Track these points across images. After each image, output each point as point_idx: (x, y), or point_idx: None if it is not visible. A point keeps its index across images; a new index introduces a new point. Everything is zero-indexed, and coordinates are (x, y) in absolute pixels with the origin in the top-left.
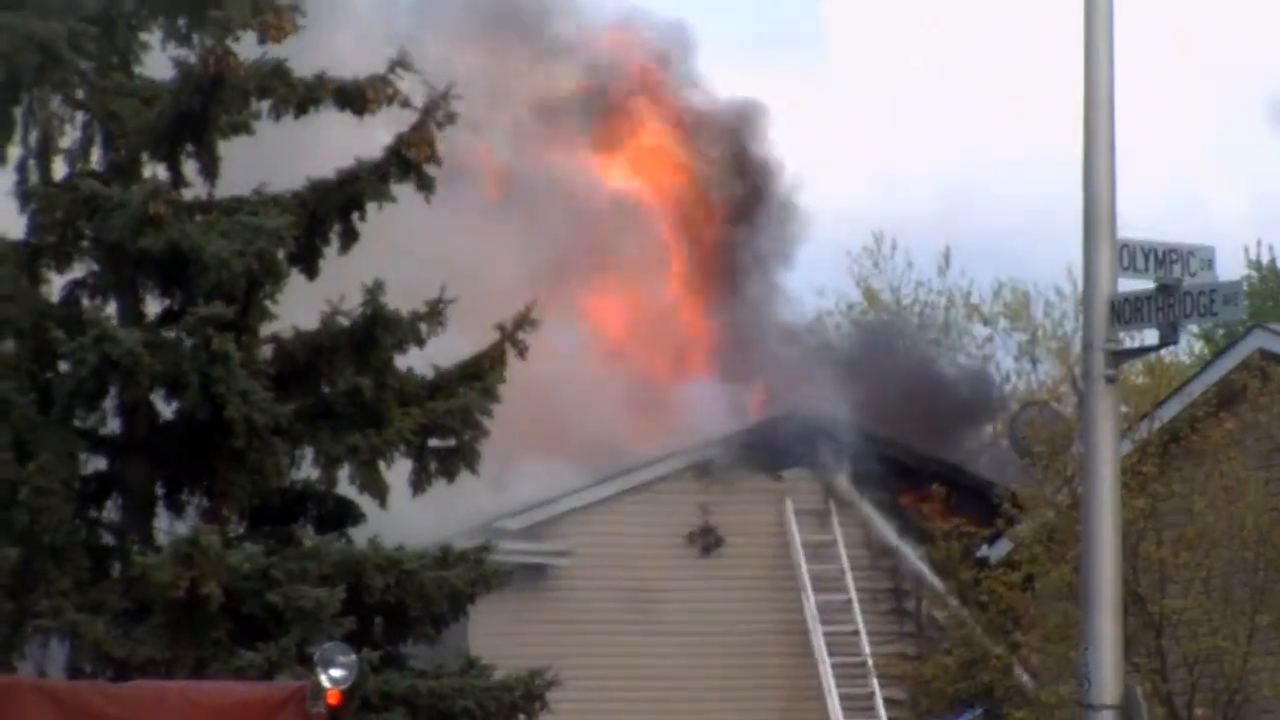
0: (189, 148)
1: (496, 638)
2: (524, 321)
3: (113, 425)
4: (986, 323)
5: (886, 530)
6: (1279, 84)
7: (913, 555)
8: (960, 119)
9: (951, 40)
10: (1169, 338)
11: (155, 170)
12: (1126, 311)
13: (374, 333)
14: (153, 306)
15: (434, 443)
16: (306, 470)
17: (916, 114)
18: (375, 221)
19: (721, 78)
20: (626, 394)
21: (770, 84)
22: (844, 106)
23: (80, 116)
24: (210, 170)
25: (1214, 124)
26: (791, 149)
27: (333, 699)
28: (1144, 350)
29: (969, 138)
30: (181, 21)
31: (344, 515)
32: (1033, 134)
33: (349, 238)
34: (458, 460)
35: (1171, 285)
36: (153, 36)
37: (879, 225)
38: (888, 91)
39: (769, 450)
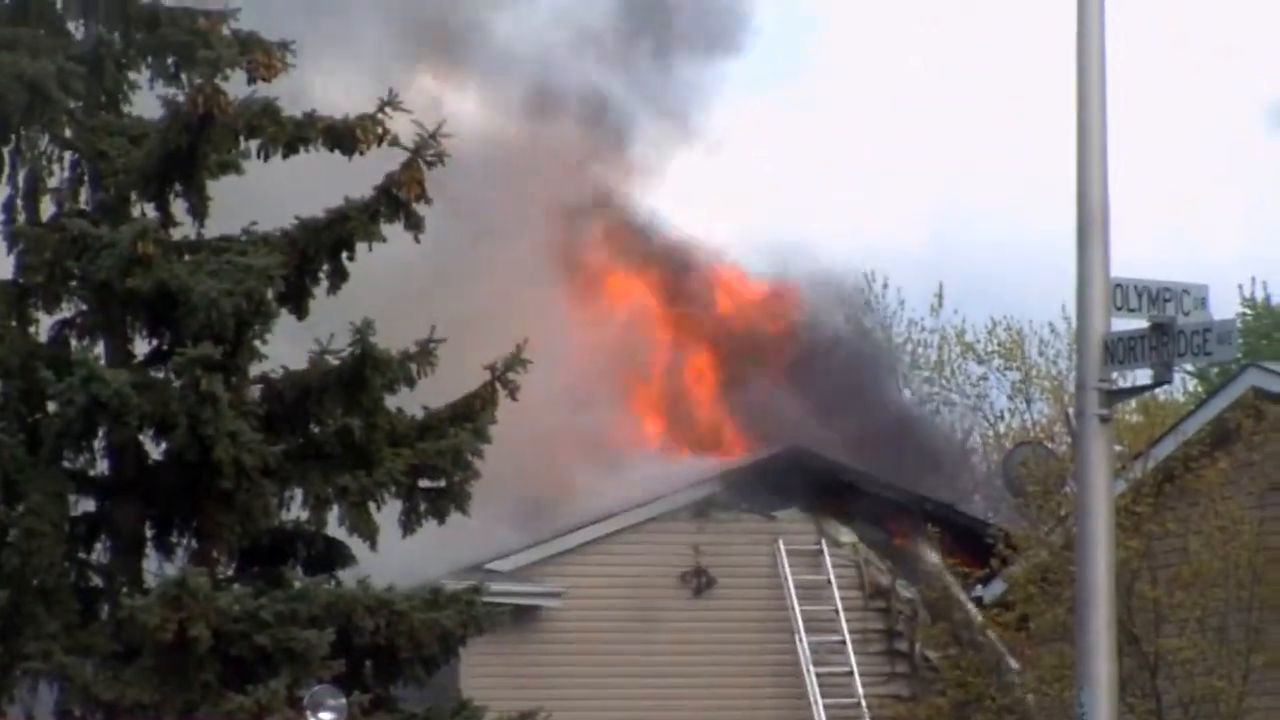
0: (177, 187)
1: (488, 680)
2: (514, 362)
3: (101, 466)
4: (980, 361)
5: (881, 570)
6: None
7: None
8: (952, 156)
9: (942, 78)
10: (1163, 377)
11: (144, 210)
12: (1120, 351)
13: (363, 373)
14: (141, 347)
15: (424, 483)
16: (296, 511)
17: (908, 151)
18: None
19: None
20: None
21: (758, 117)
22: (831, 142)
23: (69, 156)
24: (199, 210)
25: (1209, 161)
26: (782, 184)
27: None
28: (1138, 390)
29: (961, 176)
30: (170, 60)
31: (333, 556)
32: (1026, 171)
33: (338, 277)
34: (448, 501)
35: (1165, 324)
36: (141, 76)
37: (870, 263)
38: (878, 125)
39: (761, 490)
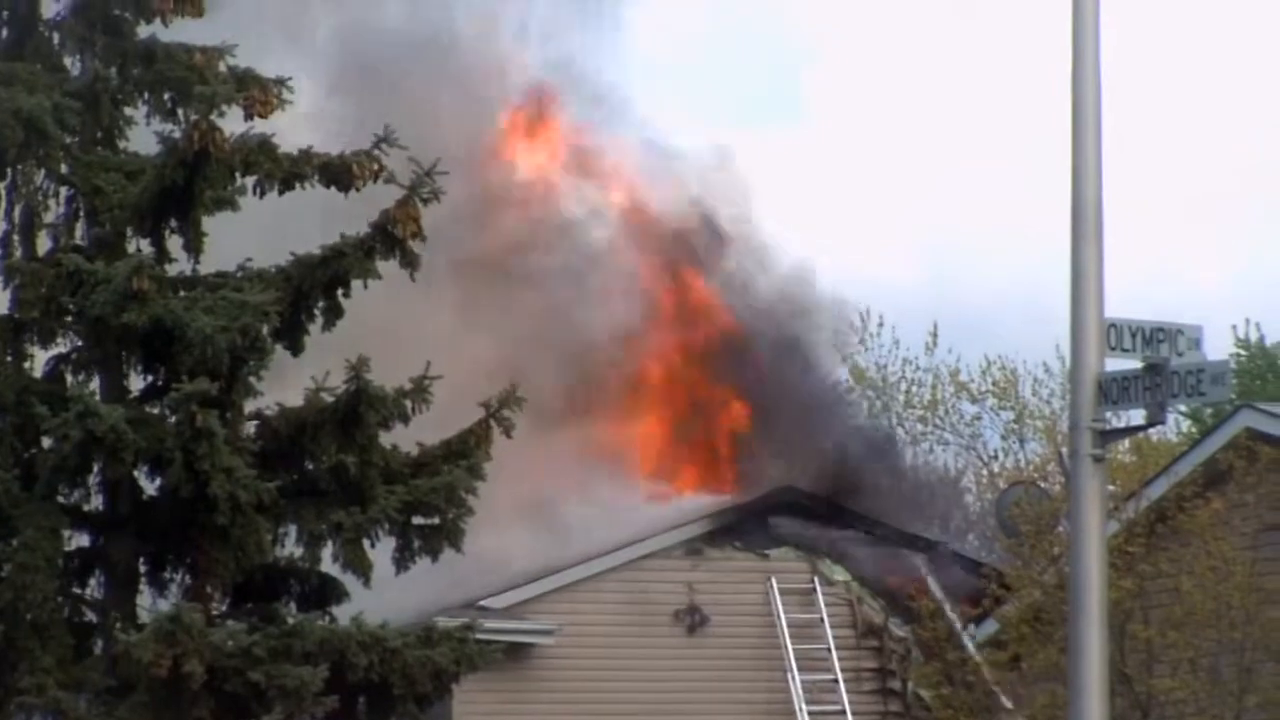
0: (173, 223)
1: (481, 717)
2: (509, 399)
3: (96, 501)
4: (974, 401)
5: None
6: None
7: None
8: (948, 194)
9: (935, 116)
10: (1156, 417)
11: (139, 245)
12: (1114, 391)
13: (358, 409)
14: (136, 382)
15: (418, 520)
16: (290, 547)
17: (903, 191)
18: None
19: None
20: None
21: (751, 154)
22: (827, 179)
23: (64, 191)
24: (194, 245)
25: (1201, 203)
26: (777, 221)
27: None
28: (1131, 430)
29: (956, 216)
30: (167, 96)
31: (327, 593)
32: (1021, 211)
33: (333, 314)
34: (441, 538)
35: (1159, 364)
36: (137, 111)
37: (865, 302)
38: (872, 165)
39: (755, 529)
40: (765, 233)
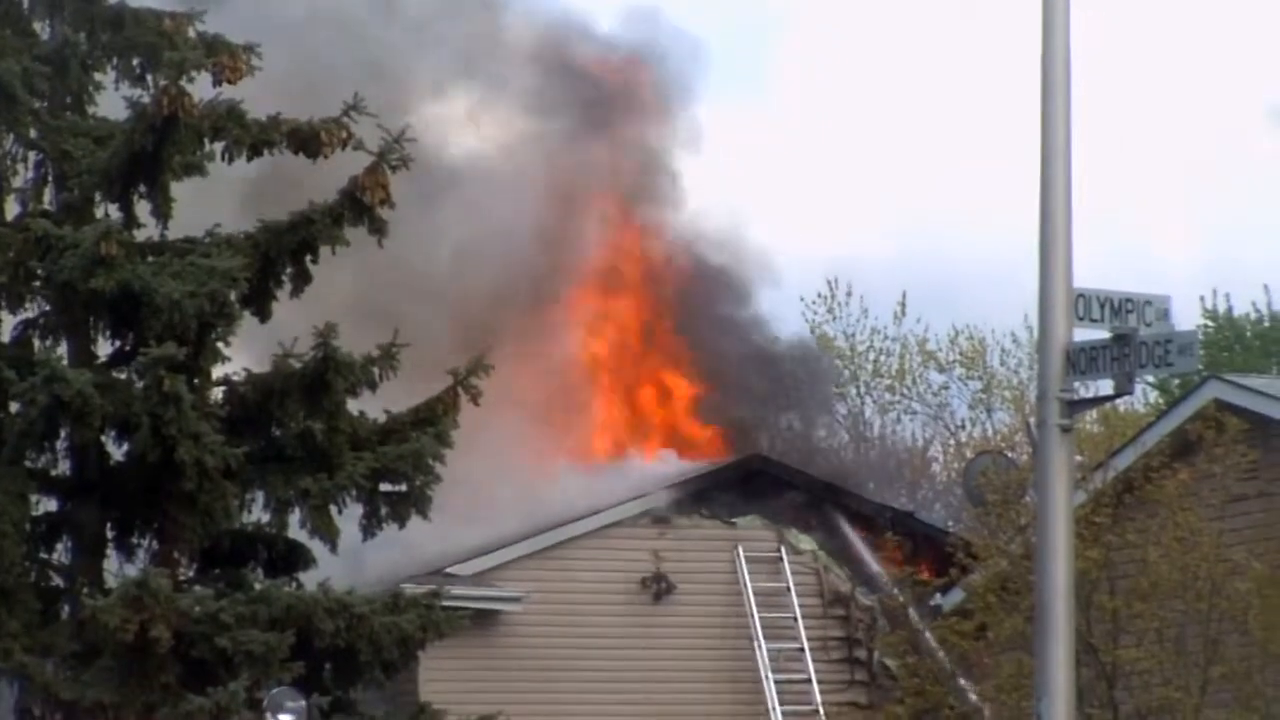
0: (141, 188)
1: (447, 683)
2: (477, 366)
3: (63, 466)
4: (942, 370)
5: (840, 576)
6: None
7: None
8: (916, 164)
9: (907, 87)
10: (1124, 388)
11: (107, 211)
12: (1082, 361)
13: (326, 376)
14: (104, 347)
15: (385, 487)
16: (257, 513)
17: (872, 161)
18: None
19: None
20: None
21: (719, 123)
22: (796, 150)
23: (33, 156)
24: (163, 211)
25: (1169, 173)
26: (744, 190)
27: None
28: (1099, 400)
29: (926, 186)
30: (136, 62)
31: (294, 559)
32: (990, 182)
33: (301, 280)
34: (409, 505)
35: (1127, 335)
36: (107, 77)
37: (833, 270)
38: (842, 137)
39: (721, 497)
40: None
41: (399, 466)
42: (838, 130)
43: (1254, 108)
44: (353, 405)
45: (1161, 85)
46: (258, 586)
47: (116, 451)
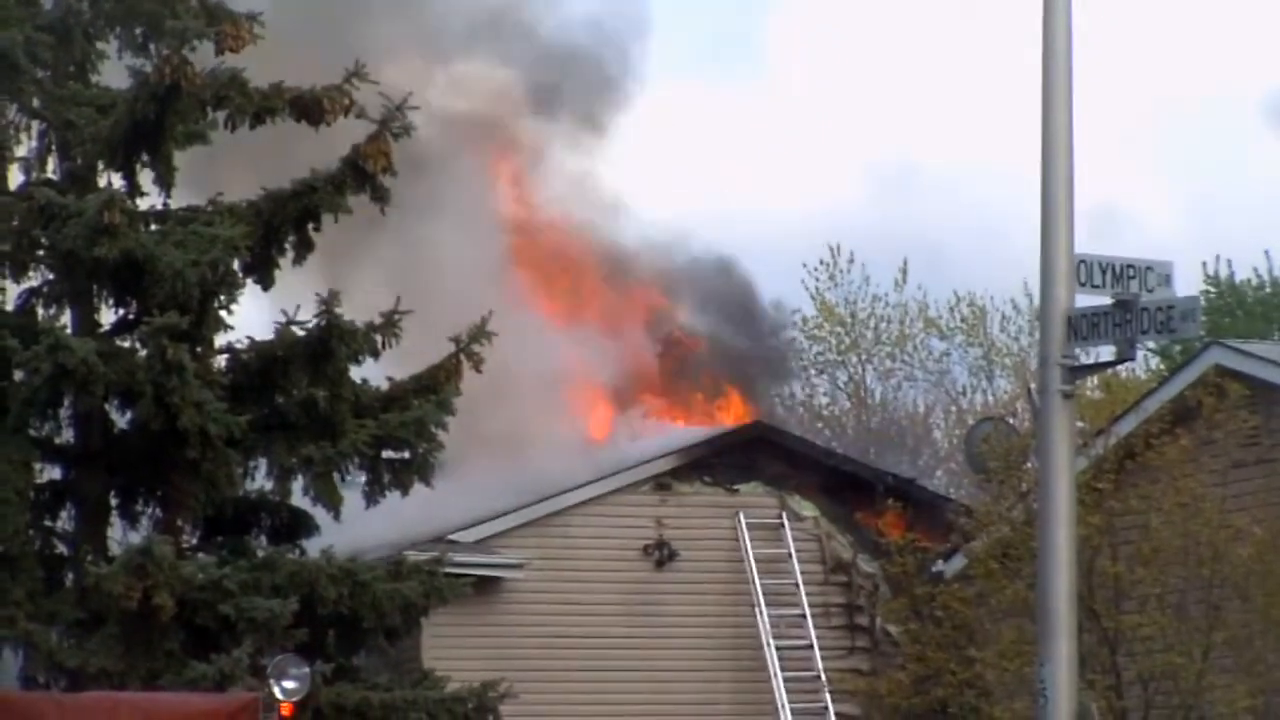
0: (144, 157)
1: (450, 650)
2: (479, 334)
3: (67, 434)
4: (943, 337)
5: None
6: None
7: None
8: (917, 129)
9: (905, 57)
10: (1126, 354)
11: (110, 179)
12: (1084, 327)
13: (329, 344)
14: (108, 316)
15: (388, 454)
16: (260, 481)
17: (873, 123)
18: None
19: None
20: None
21: (718, 96)
22: (795, 114)
23: (36, 125)
24: (165, 179)
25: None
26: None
27: (286, 711)
28: (1101, 366)
29: (926, 149)
30: (138, 31)
31: (297, 526)
32: (992, 146)
33: (304, 249)
34: (411, 472)
35: (1129, 301)
36: (109, 46)
37: (835, 237)
38: (842, 103)
39: (724, 464)
40: None
41: (402, 434)
42: (835, 99)
43: (1250, 89)
44: (355, 373)
45: (1167, 47)
46: (261, 554)
47: (120, 420)
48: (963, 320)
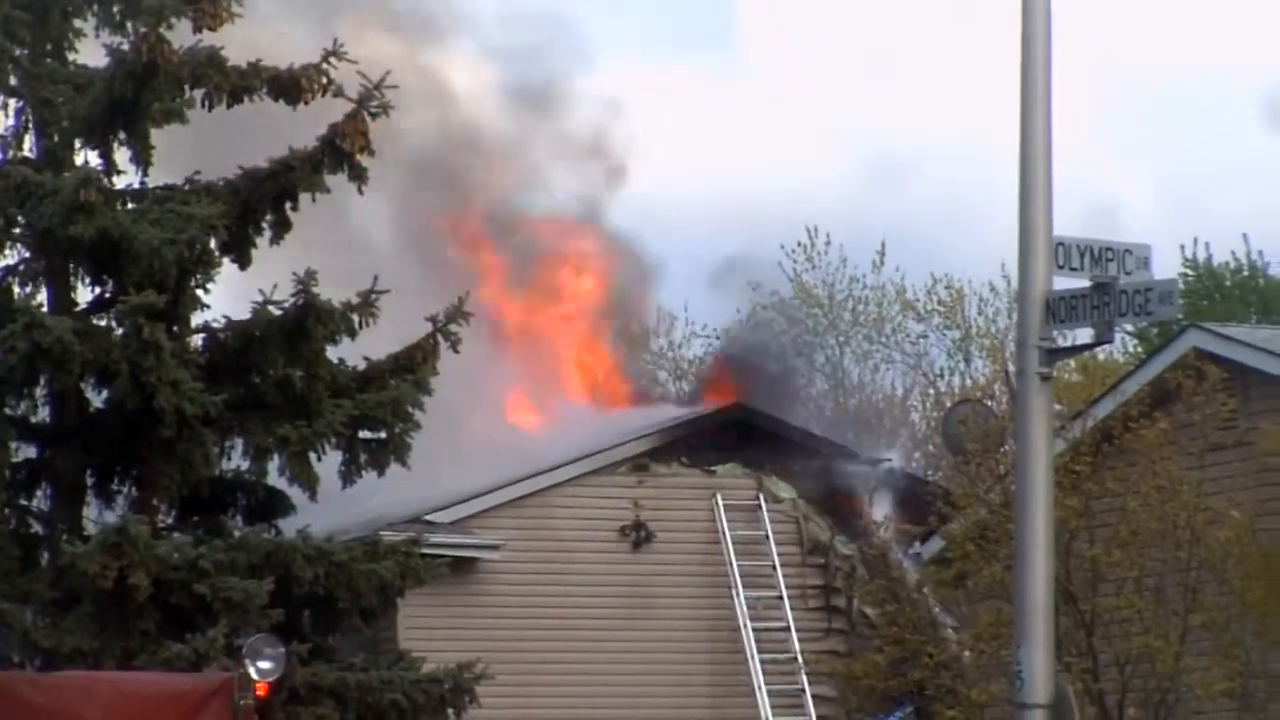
0: (121, 135)
1: (426, 631)
2: (456, 314)
3: (43, 413)
4: (920, 319)
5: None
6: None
7: None
8: (894, 109)
9: (880, 36)
10: (1104, 336)
11: (87, 158)
12: (1062, 309)
13: (305, 323)
14: (84, 294)
15: (364, 434)
16: (236, 460)
17: (848, 102)
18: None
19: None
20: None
21: (688, 79)
22: (769, 96)
23: (13, 103)
24: (142, 158)
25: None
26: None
27: (261, 691)
28: (1079, 349)
29: (903, 129)
30: (116, 8)
31: (273, 506)
32: (969, 128)
33: (281, 228)
34: (388, 452)
35: (1107, 283)
36: (87, 24)
37: (812, 218)
38: (818, 78)
39: (702, 445)
40: None
41: (378, 414)
42: (810, 74)
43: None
44: (332, 353)
45: (1150, 25)
46: (237, 534)
47: (96, 399)
48: (940, 303)
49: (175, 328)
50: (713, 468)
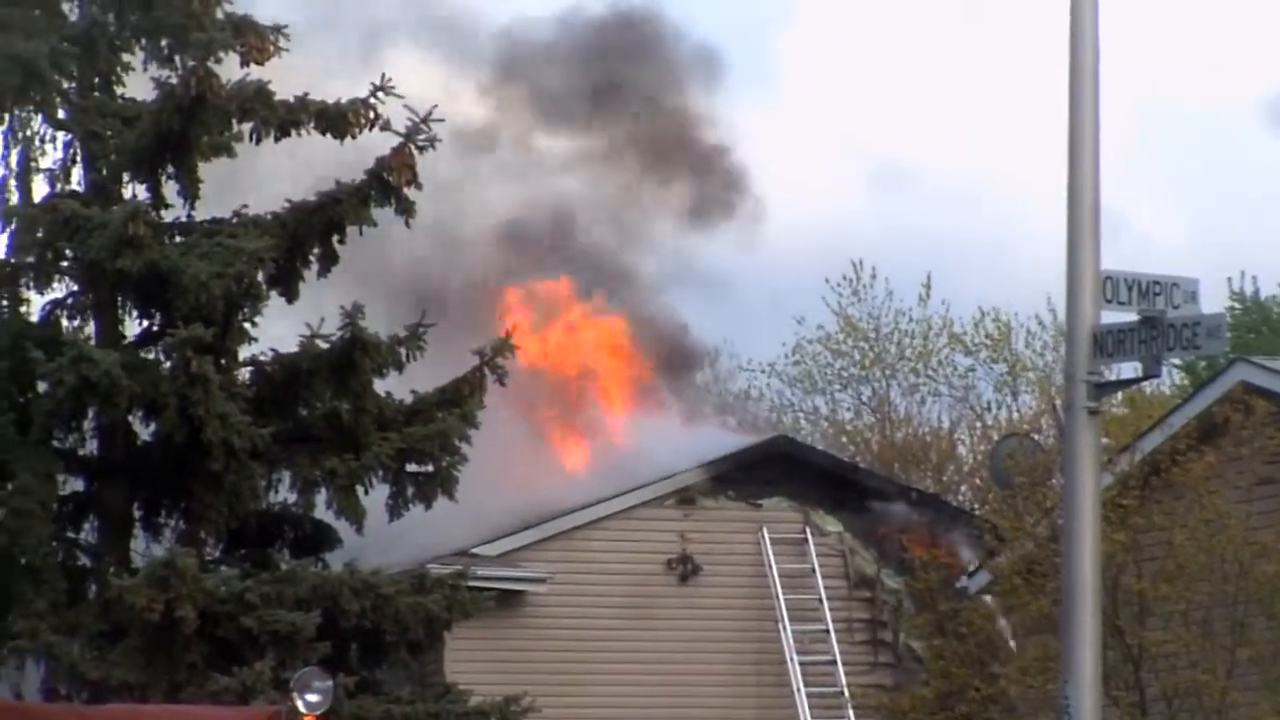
0: (169, 169)
1: (472, 664)
2: (503, 347)
3: (91, 446)
4: (968, 353)
5: (866, 560)
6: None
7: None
8: (941, 143)
9: (932, 64)
10: (1152, 370)
11: (135, 191)
12: (1109, 344)
13: (353, 356)
14: (132, 328)
15: (411, 468)
16: (283, 493)
17: (896, 135)
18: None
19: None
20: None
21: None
22: (817, 130)
23: (62, 136)
24: (190, 191)
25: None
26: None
27: None
28: (1126, 383)
29: (951, 164)
30: (164, 43)
31: (320, 539)
32: (1017, 160)
33: (329, 261)
34: (435, 485)
35: (1155, 318)
36: (135, 57)
37: (859, 252)
38: (863, 116)
39: (748, 478)
40: None
41: (425, 447)
42: (852, 113)
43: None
44: (379, 386)
45: (1195, 60)
46: (284, 567)
47: (144, 431)
48: (987, 336)
49: (223, 361)
50: (759, 501)
